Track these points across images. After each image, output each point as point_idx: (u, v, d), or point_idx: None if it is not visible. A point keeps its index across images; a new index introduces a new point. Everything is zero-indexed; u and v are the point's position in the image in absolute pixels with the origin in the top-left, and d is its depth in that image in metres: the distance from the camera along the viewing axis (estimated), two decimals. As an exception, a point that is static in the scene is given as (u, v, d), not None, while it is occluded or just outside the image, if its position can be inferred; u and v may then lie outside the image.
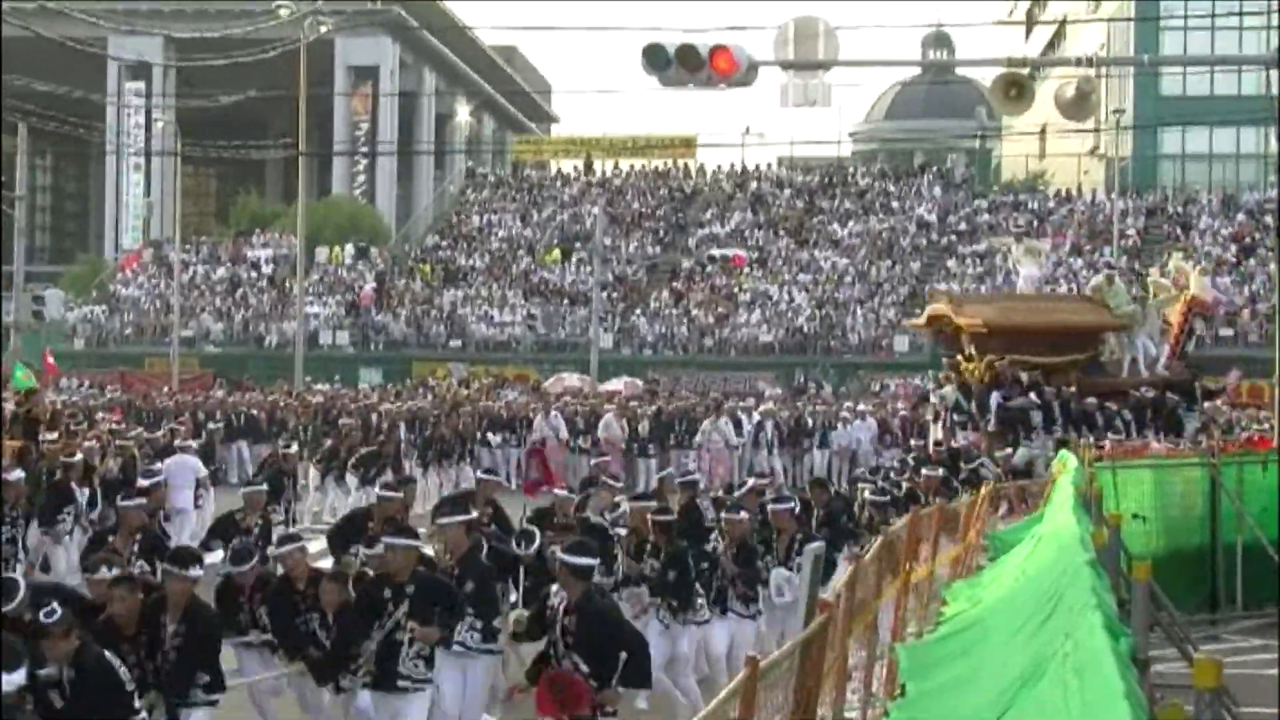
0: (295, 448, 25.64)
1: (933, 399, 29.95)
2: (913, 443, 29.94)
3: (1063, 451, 19.35)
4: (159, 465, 21.51)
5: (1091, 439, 24.66)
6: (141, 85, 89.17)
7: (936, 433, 28.10)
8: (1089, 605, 6.32)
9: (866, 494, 18.58)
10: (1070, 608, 6.73)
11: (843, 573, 12.38)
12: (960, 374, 27.77)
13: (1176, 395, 28.71)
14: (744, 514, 15.30)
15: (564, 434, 36.66)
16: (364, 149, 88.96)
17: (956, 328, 28.09)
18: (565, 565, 10.77)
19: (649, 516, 14.68)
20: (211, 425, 29.21)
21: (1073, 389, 27.52)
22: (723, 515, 15.57)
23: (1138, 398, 28.11)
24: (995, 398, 26.57)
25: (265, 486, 17.89)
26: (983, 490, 17.31)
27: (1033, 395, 26.82)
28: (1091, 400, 27.43)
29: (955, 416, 27.29)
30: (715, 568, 14.66)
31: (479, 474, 18.92)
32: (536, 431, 36.59)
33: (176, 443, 26.17)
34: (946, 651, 7.68)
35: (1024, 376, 27.23)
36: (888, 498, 18.14)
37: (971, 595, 9.85)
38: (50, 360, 43.65)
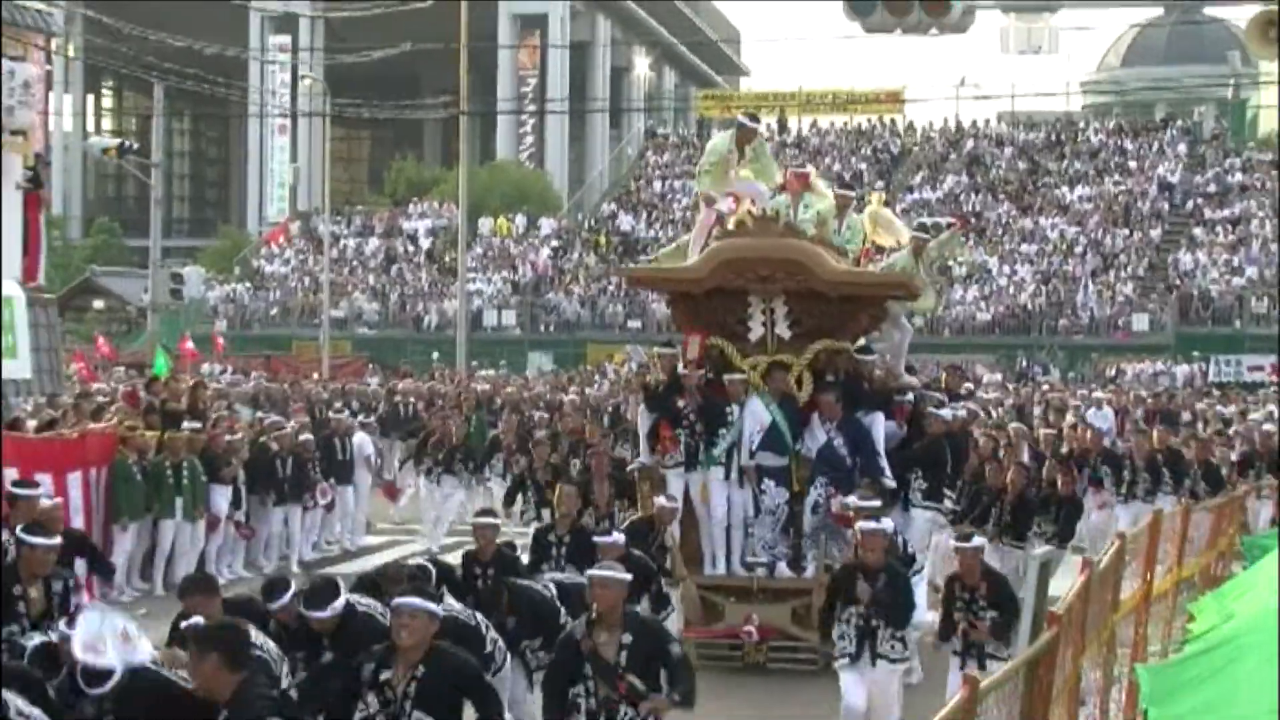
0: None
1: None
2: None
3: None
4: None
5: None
6: (287, 39, 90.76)
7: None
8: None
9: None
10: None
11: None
12: (782, 373, 17.17)
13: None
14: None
15: None
16: (531, 107, 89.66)
17: (799, 289, 17.29)
18: None
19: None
20: (363, 419, 29.15)
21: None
22: None
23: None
24: (880, 424, 17.03)
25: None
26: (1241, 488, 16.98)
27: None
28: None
29: (770, 459, 16.90)
30: None
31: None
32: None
33: (360, 419, 28.20)
34: (1194, 674, 7.55)
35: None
36: None
37: (1221, 610, 9.67)
38: (189, 344, 44.58)
